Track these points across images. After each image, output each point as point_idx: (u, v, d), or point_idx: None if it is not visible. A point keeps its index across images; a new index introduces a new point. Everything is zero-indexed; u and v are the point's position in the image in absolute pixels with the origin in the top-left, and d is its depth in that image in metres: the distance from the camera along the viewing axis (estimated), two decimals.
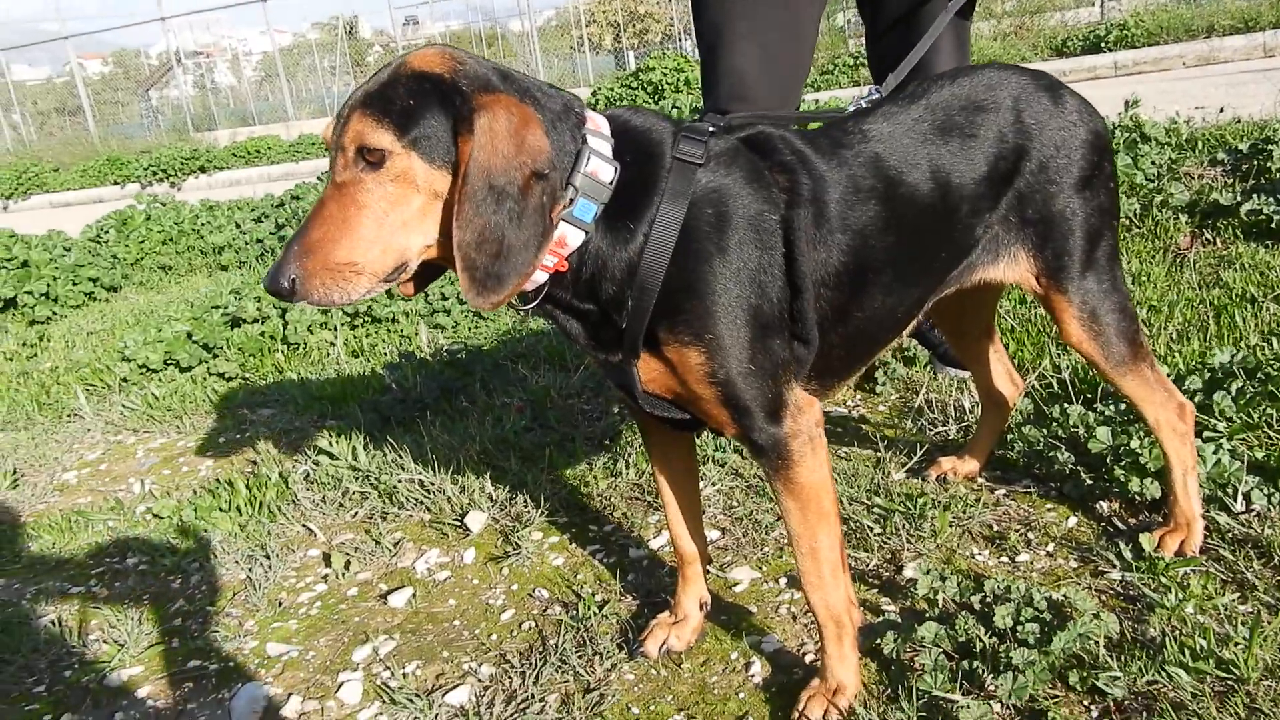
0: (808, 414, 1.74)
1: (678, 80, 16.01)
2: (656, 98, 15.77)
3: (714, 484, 2.75)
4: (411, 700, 2.06)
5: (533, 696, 2.03)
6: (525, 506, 2.79)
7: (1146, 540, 2.10)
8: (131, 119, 31.43)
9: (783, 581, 2.29)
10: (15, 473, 3.69)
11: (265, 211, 7.93)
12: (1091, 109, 2.08)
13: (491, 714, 2.00)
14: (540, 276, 1.62)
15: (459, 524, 2.78)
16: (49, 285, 6.19)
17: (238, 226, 7.54)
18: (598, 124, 1.64)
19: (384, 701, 2.11)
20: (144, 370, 4.58)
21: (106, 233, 7.33)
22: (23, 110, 31.85)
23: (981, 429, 2.62)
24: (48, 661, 2.44)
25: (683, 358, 1.64)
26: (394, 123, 1.46)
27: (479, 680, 2.12)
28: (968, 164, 1.92)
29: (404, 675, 2.17)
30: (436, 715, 2.03)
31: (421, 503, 2.92)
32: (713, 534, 2.53)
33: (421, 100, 1.47)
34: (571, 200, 1.57)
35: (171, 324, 4.76)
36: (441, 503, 2.88)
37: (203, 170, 19.18)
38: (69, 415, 4.32)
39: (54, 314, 6.16)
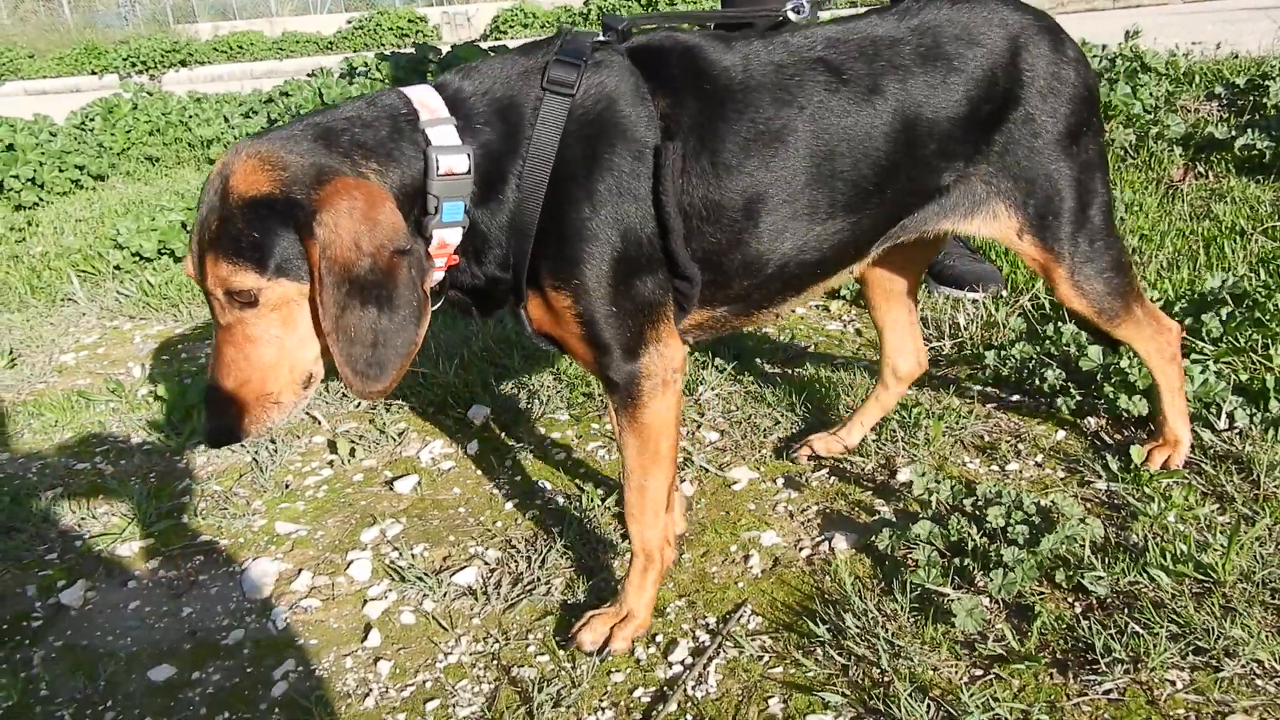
0: (668, 357, 1.74)
1: None
2: (650, 6, 15.49)
3: (713, 388, 2.81)
4: (421, 579, 2.14)
5: (538, 579, 2.11)
6: (528, 403, 2.84)
7: (1136, 453, 2.19)
8: (109, 8, 30.46)
9: (779, 481, 2.37)
10: (12, 353, 3.70)
11: (254, 107, 7.81)
12: (1087, 60, 1.98)
13: (499, 594, 2.08)
14: (437, 276, 1.63)
15: (462, 417, 2.83)
16: (35, 170, 6.10)
17: (226, 120, 7.42)
18: (434, 109, 1.59)
19: (393, 579, 2.18)
20: (137, 258, 4.56)
21: (92, 120, 7.20)
22: None
23: (869, 404, 2.44)
24: (58, 532, 2.49)
25: (553, 299, 1.65)
26: (249, 261, 1.43)
27: (485, 563, 2.20)
28: (945, 100, 1.79)
29: (412, 556, 2.25)
30: (445, 593, 2.10)
31: (425, 394, 2.97)
32: (712, 435, 2.60)
33: (263, 228, 1.43)
34: (437, 209, 1.56)
35: (165, 213, 4.73)
36: (445, 395, 2.93)
37: (184, 64, 18.74)
38: (62, 300, 4.31)
39: (40, 200, 6.08)
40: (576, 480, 2.48)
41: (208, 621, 2.12)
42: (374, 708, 1.83)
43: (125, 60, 18.72)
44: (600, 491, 2.38)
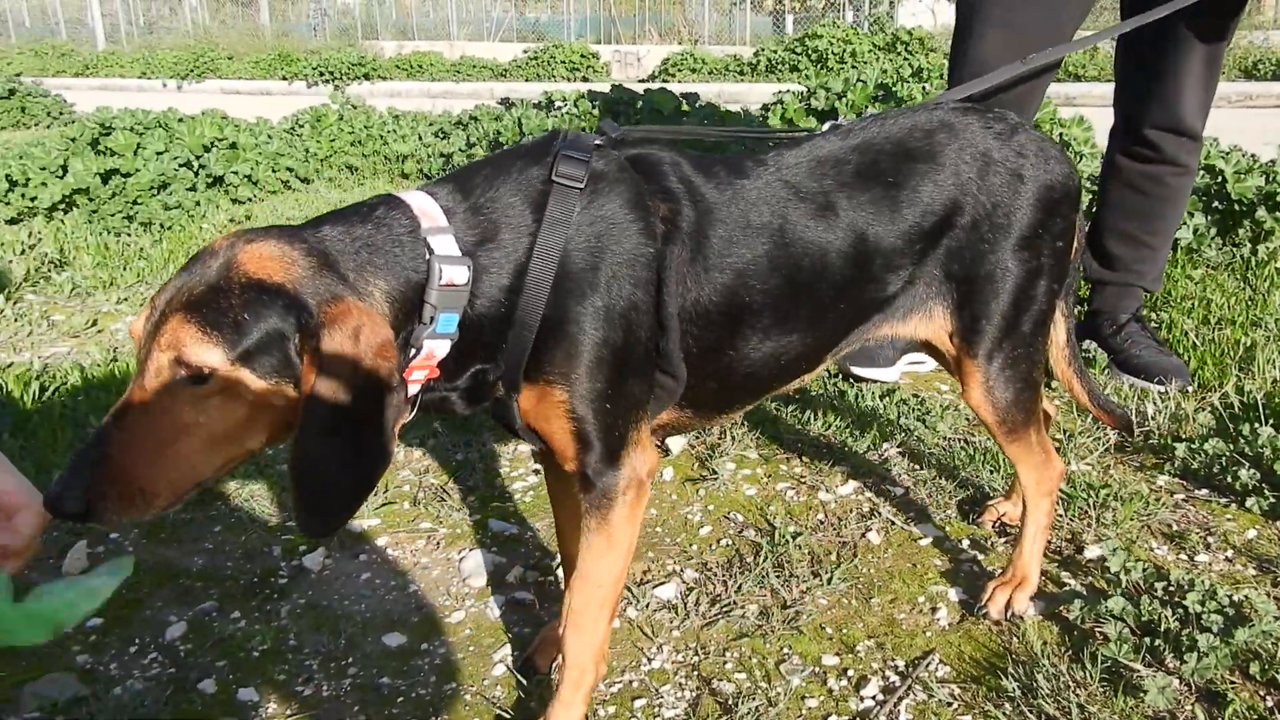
0: (644, 460, 1.72)
1: (843, 51, 15.88)
2: (820, 66, 15.69)
3: (898, 446, 2.93)
4: (627, 588, 2.32)
5: (735, 603, 2.26)
6: (720, 438, 3.02)
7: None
8: (300, 18, 32.47)
9: (965, 542, 2.47)
10: None
11: (443, 128, 8.28)
12: (1051, 153, 1.93)
13: (698, 611, 2.24)
14: (413, 389, 1.56)
15: (659, 444, 3.02)
16: (252, 168, 6.63)
17: (420, 138, 7.90)
18: (433, 218, 1.56)
19: None
20: None
21: (301, 127, 7.76)
22: None
23: None
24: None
25: (547, 393, 1.63)
26: (224, 337, 1.31)
27: (684, 581, 2.37)
28: (888, 217, 1.82)
29: None
30: (648, 604, 2.28)
31: None
32: (897, 490, 2.72)
33: (258, 315, 1.34)
34: (432, 319, 1.51)
35: None
36: None
37: (366, 78, 19.79)
38: None
39: (253, 196, 6.61)
40: (766, 517, 2.63)
41: (431, 599, 2.35)
42: None
43: (314, 69, 19.87)
44: (792, 529, 2.52)
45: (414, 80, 19.68)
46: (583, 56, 18.88)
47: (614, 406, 1.65)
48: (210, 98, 18.51)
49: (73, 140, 6.32)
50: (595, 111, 6.36)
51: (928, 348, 2.09)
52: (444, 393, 1.63)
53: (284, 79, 20.30)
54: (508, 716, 1.96)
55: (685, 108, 6.48)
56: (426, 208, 1.57)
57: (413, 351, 1.53)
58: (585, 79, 18.42)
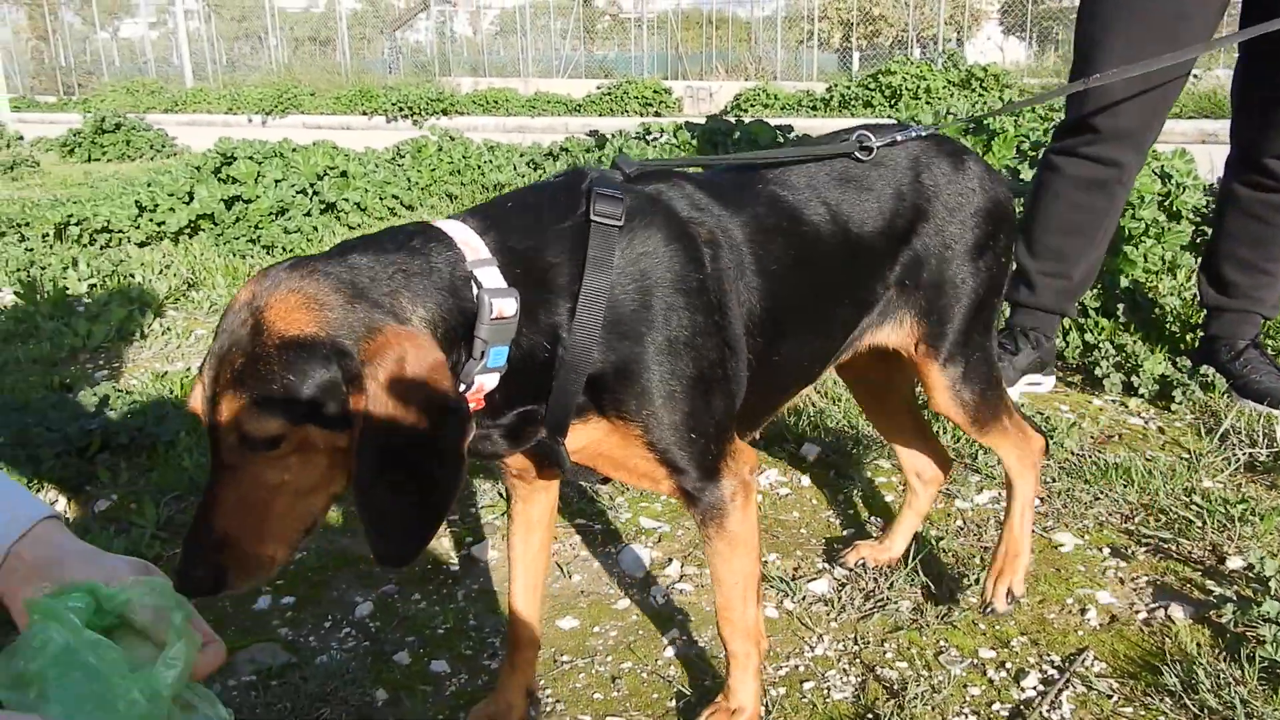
0: (744, 463, 1.73)
1: (917, 87, 15.99)
2: (893, 102, 15.81)
3: None
4: (783, 580, 2.45)
5: (888, 599, 2.38)
6: (853, 448, 3.14)
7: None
8: (375, 55, 33.47)
9: (1105, 550, 2.56)
10: None
11: (534, 159, 8.55)
12: (995, 175, 2.09)
13: (853, 605, 2.36)
14: None
15: (795, 452, 3.16)
16: (362, 196, 6.93)
17: (515, 168, 8.16)
18: (476, 249, 1.51)
19: None
20: None
21: (403, 157, 8.08)
22: (279, 35, 34.36)
23: (905, 512, 2.53)
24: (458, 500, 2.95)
25: (619, 432, 1.61)
26: (278, 404, 1.31)
27: (835, 578, 2.49)
28: (865, 214, 1.93)
29: (765, 563, 2.56)
30: (803, 597, 2.40)
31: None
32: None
33: (301, 371, 1.31)
34: (483, 354, 1.47)
35: None
36: (781, 431, 3.27)
37: (444, 113, 20.32)
38: None
39: (362, 223, 6.89)
40: None
41: (596, 588, 2.50)
42: None
43: (393, 105, 20.47)
44: (934, 534, 2.63)
45: (490, 115, 20.17)
46: (655, 92, 19.21)
47: (700, 430, 1.64)
48: (293, 131, 19.12)
49: (197, 169, 6.67)
50: (694, 141, 6.57)
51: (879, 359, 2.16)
52: (487, 429, 1.58)
53: (364, 114, 20.93)
54: (686, 693, 2.09)
55: (780, 138, 6.66)
56: (468, 239, 1.52)
57: (462, 387, 1.48)
58: (658, 114, 18.73)
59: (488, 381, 1.51)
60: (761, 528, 2.75)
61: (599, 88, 20.07)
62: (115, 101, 21.92)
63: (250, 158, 6.68)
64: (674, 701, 2.07)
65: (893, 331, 2.04)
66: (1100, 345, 3.76)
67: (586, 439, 1.64)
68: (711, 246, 1.70)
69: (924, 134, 2.07)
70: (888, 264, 1.99)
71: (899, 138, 2.03)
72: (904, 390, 2.45)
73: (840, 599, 2.38)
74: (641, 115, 18.83)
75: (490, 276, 1.48)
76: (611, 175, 1.70)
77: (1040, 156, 3.61)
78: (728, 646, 1.88)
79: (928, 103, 14.64)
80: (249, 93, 22.21)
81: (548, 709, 2.08)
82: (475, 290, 1.47)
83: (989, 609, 2.25)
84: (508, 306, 1.47)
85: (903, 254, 1.99)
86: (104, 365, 4.18)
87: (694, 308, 1.63)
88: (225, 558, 1.35)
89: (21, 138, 14.12)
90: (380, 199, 7.13)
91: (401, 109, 20.49)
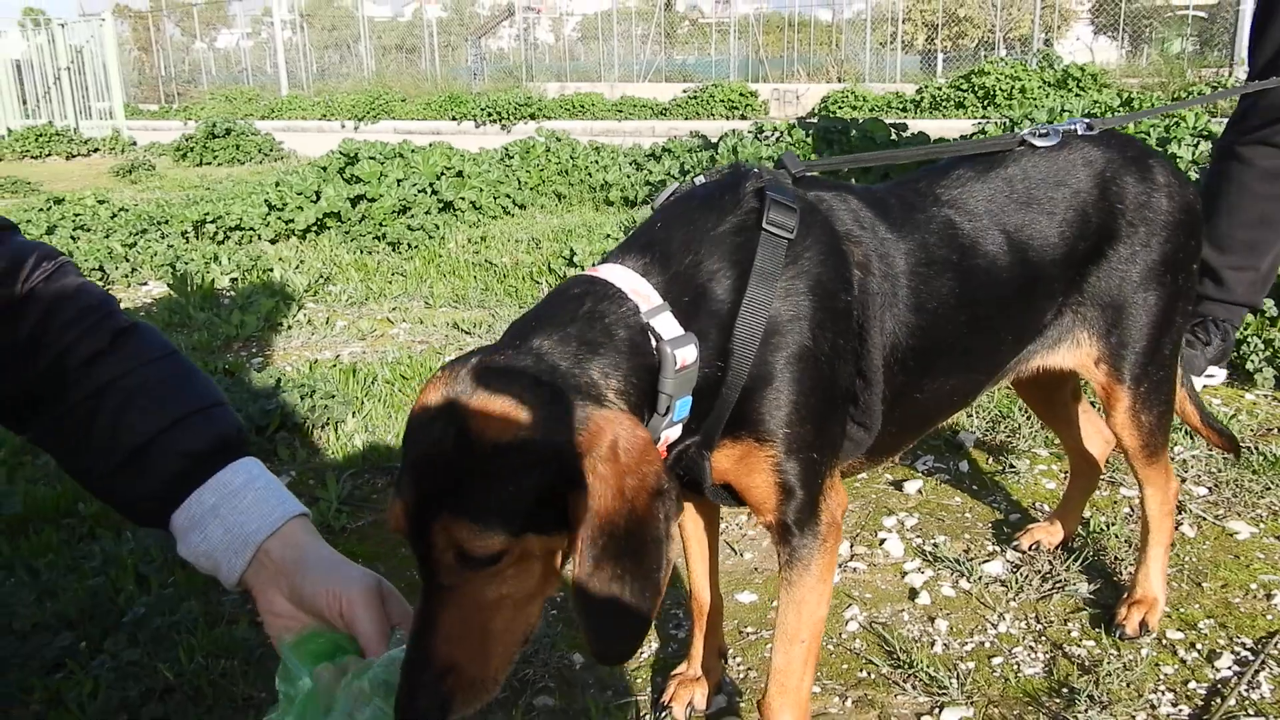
0: (839, 503, 1.66)
1: (1011, 88, 15.77)
2: (985, 103, 15.61)
3: (1191, 451, 3.01)
4: (957, 562, 2.48)
5: (1066, 580, 2.39)
6: (1008, 436, 3.15)
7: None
8: (459, 62, 34.09)
9: None
10: None
11: (637, 160, 8.67)
12: (1183, 179, 1.97)
13: (1031, 586, 2.38)
14: None
15: (951, 439, 3.18)
16: (477, 195, 7.10)
17: (620, 169, 8.28)
18: (647, 296, 1.44)
19: (925, 560, 2.54)
20: None
21: (512, 158, 8.25)
22: (369, 43, 35.19)
23: (1071, 492, 2.55)
24: None
25: (753, 450, 1.55)
26: (499, 519, 1.23)
27: (1008, 561, 2.51)
28: (1047, 241, 1.83)
29: (934, 544, 2.59)
30: (979, 578, 2.43)
31: None
32: (1200, 490, 2.80)
33: (519, 480, 1.24)
34: (669, 409, 1.42)
35: (613, 240, 5.43)
36: None
37: (532, 117, 20.62)
38: (532, 302, 5.05)
39: (478, 221, 7.06)
40: None
41: (769, 565, 2.56)
42: (942, 652, 2.17)
43: (482, 110, 20.84)
44: (1103, 519, 2.64)
45: (576, 119, 20.40)
46: (741, 95, 19.24)
47: (819, 456, 1.59)
48: (385, 136, 19.53)
49: (323, 169, 6.92)
50: (809, 140, 6.60)
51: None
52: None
53: (453, 119, 21.33)
54: (875, 662, 2.14)
55: (894, 137, 6.65)
56: (636, 286, 1.45)
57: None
58: (743, 117, 18.74)
59: (674, 434, 1.48)
60: (925, 511, 2.79)
61: (684, 91, 20.18)
62: (214, 109, 22.69)
63: (373, 158, 6.90)
64: (864, 672, 2.12)
65: (1068, 354, 1.97)
66: (1249, 340, 3.71)
67: (727, 457, 1.57)
68: (862, 269, 1.63)
69: (1101, 129, 1.99)
70: (1067, 289, 1.91)
71: (1079, 129, 1.97)
72: (1070, 382, 2.44)
73: (1017, 580, 2.41)
74: (727, 118, 18.87)
75: (667, 325, 1.42)
76: (782, 179, 1.63)
77: (1217, 148, 3.51)
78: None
79: (1021, 104, 14.44)
80: (342, 99, 22.80)
81: (740, 676, 2.14)
82: (654, 343, 1.41)
83: (1119, 632, 2.17)
84: (689, 354, 1.42)
85: (1086, 277, 1.92)
86: (257, 353, 4.38)
87: (839, 330, 1.57)
88: (450, 684, 1.27)
89: (135, 143, 14.72)
90: (494, 198, 7.30)
91: (490, 114, 20.84)
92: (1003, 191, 1.84)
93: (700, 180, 1.69)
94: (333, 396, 3.45)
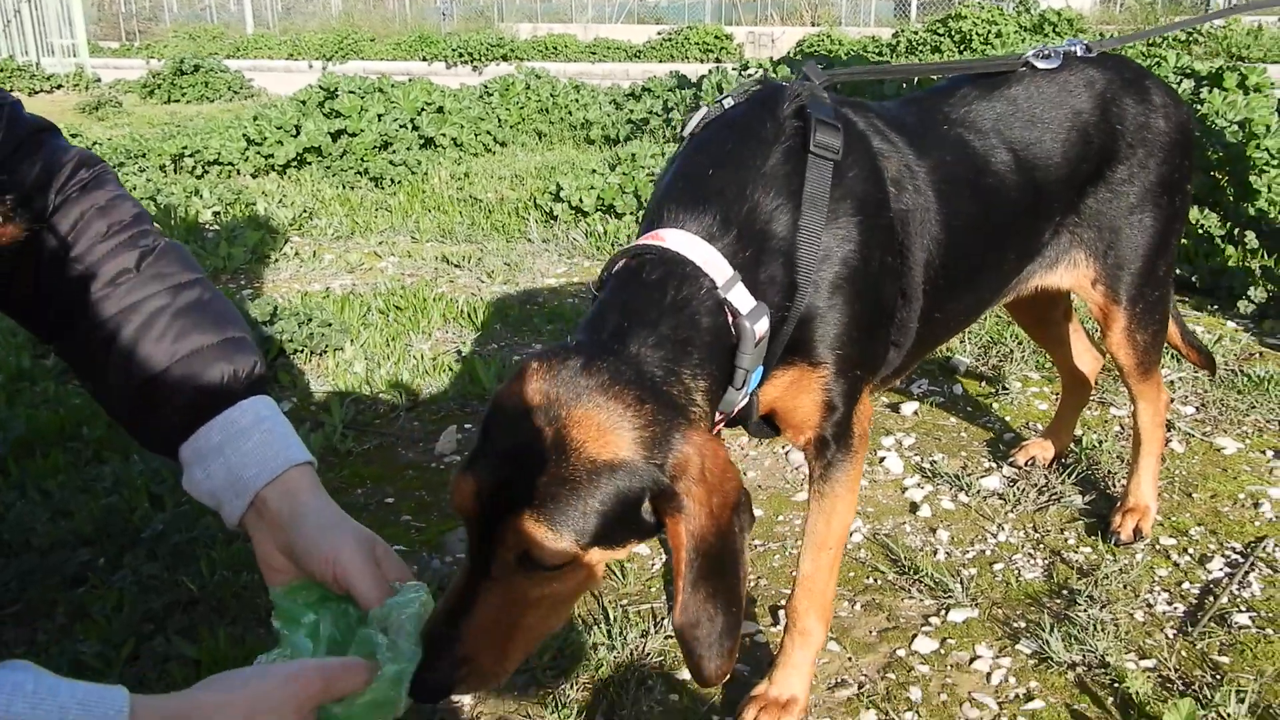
0: (867, 413, 1.70)
1: (988, 33, 15.71)
2: (962, 48, 15.57)
3: (1178, 372, 3.09)
4: (956, 477, 2.55)
5: (1061, 493, 2.47)
6: (1002, 360, 3.22)
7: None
8: (428, 2, 33.43)
9: (1269, 453, 2.63)
10: (509, 268, 4.44)
11: (617, 99, 8.59)
12: (1178, 100, 1.99)
13: (1028, 499, 2.45)
14: None
15: (945, 364, 3.24)
16: (459, 132, 7.03)
17: (600, 107, 8.22)
18: (721, 268, 1.44)
19: (923, 476, 2.61)
20: (575, 211, 5.26)
21: (491, 95, 8.16)
22: None
23: (1064, 409, 2.63)
24: None
25: (805, 374, 1.57)
26: (575, 529, 1.22)
27: (1004, 476, 2.58)
28: (1050, 162, 1.85)
29: (932, 462, 2.66)
30: (977, 491, 2.50)
31: None
32: (1188, 410, 2.89)
33: (608, 500, 1.24)
34: (744, 382, 1.45)
35: (598, 176, 5.41)
36: None
37: (504, 59, 20.31)
38: (519, 238, 5.04)
39: (460, 158, 7.00)
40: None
41: (773, 483, 2.62)
42: (944, 560, 2.25)
43: (453, 51, 20.49)
44: (1095, 437, 2.71)
45: (549, 61, 20.12)
46: (717, 38, 19.07)
47: (862, 373, 1.62)
48: (353, 80, 19.25)
49: (303, 104, 6.81)
50: (794, 76, 6.59)
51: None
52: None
53: (424, 60, 20.97)
54: (882, 569, 2.21)
55: (880, 79, 6.65)
56: (708, 257, 1.44)
57: (719, 416, 1.47)
58: (718, 60, 18.58)
59: (742, 401, 1.49)
60: (922, 431, 2.85)
61: (658, 34, 19.96)
62: (178, 47, 22.10)
63: (353, 92, 6.81)
64: (871, 579, 2.19)
65: (1065, 274, 2.01)
66: (1229, 270, 3.79)
67: (779, 385, 1.59)
68: (897, 185, 1.64)
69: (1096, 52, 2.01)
70: (1065, 210, 1.94)
71: (1078, 50, 1.99)
72: (1062, 303, 2.50)
73: (1014, 493, 2.48)
74: (701, 61, 18.69)
75: (742, 298, 1.43)
76: (821, 97, 1.60)
77: None
78: (796, 624, 1.75)
79: (1001, 47, 14.40)
80: (309, 38, 22.32)
81: (752, 584, 2.20)
82: (731, 318, 1.43)
83: (1114, 538, 2.26)
84: (763, 326, 1.44)
85: (1084, 198, 1.95)
86: (246, 285, 4.35)
87: (885, 248, 1.59)
88: (464, 669, 1.26)
89: (99, 80, 14.36)
90: (475, 135, 7.23)
91: (461, 55, 20.49)
92: (1009, 111, 1.87)
93: (730, 103, 1.66)
94: (329, 325, 3.45)
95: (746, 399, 1.52)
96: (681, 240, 1.46)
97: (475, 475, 1.27)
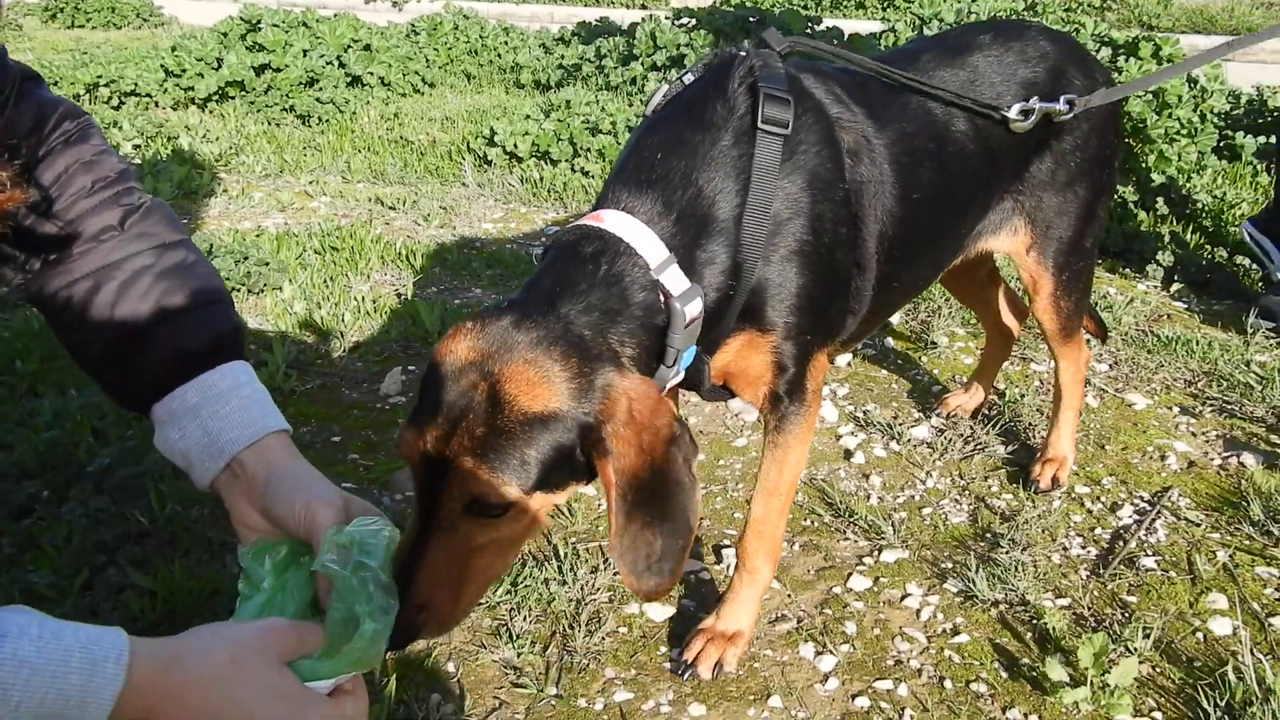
0: (820, 371, 1.75)
1: None
2: (886, 4, 15.70)
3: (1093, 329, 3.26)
4: (888, 426, 2.67)
5: (985, 443, 2.61)
6: (930, 316, 3.35)
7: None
8: None
9: (1175, 410, 2.81)
10: (445, 212, 4.41)
11: (546, 44, 8.50)
12: (1110, 78, 2.08)
13: (955, 448, 2.59)
14: None
15: None
16: (386, 71, 6.89)
17: (529, 50, 8.13)
18: (656, 252, 1.49)
19: (857, 424, 2.72)
20: (510, 157, 5.23)
21: (419, 34, 8.00)
22: None
23: (986, 362, 2.75)
24: None
25: (754, 337, 1.64)
26: (515, 475, 1.31)
27: (933, 426, 2.71)
28: (999, 132, 1.90)
29: (865, 411, 2.78)
30: (908, 440, 2.63)
31: None
32: (1102, 367, 3.05)
33: (543, 446, 1.32)
34: (676, 360, 1.51)
35: (532, 122, 5.38)
36: None
37: None
38: (454, 182, 5.00)
39: (388, 98, 6.87)
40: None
41: (713, 429, 2.70)
42: (877, 504, 2.37)
43: None
44: (1017, 391, 2.86)
45: (491, 2, 19.70)
46: None
47: (813, 338, 1.68)
48: (268, 6, 18.55)
49: (224, 35, 6.59)
50: (729, 30, 6.60)
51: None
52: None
53: None
54: (819, 512, 2.31)
55: (809, 31, 6.71)
56: (645, 243, 1.49)
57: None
58: (644, 6, 18.40)
59: (676, 380, 1.56)
60: (855, 382, 2.97)
61: None
62: None
63: (276, 25, 6.61)
64: (808, 521, 2.30)
65: (1006, 239, 2.08)
66: (1141, 234, 3.98)
67: (730, 353, 1.66)
68: (853, 156, 1.67)
69: (1056, 38, 2.07)
70: (1015, 177, 2.01)
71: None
72: (988, 264, 2.59)
73: (941, 442, 2.61)
74: (628, 7, 18.50)
75: (675, 280, 1.48)
76: (774, 67, 1.62)
77: None
78: (745, 563, 1.85)
79: (925, 4, 14.56)
80: None
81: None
82: (663, 299, 1.48)
83: (1034, 487, 2.39)
84: (695, 308, 1.49)
85: (1028, 166, 2.02)
86: None
87: (837, 220, 1.63)
88: (422, 614, 1.34)
89: None
90: (403, 75, 7.10)
91: None
92: (969, 79, 1.92)
93: (689, 79, 1.70)
94: (266, 264, 3.40)
95: (680, 376, 1.58)
96: (620, 221, 1.51)
97: (419, 426, 1.34)
